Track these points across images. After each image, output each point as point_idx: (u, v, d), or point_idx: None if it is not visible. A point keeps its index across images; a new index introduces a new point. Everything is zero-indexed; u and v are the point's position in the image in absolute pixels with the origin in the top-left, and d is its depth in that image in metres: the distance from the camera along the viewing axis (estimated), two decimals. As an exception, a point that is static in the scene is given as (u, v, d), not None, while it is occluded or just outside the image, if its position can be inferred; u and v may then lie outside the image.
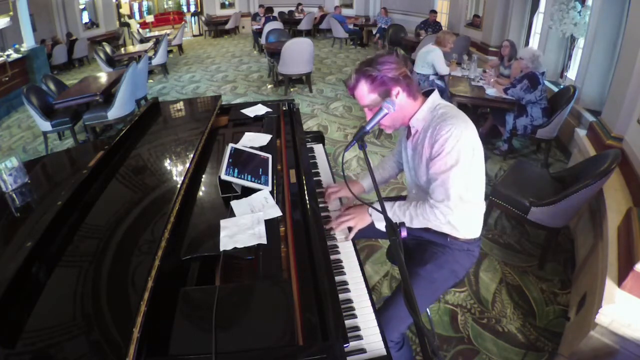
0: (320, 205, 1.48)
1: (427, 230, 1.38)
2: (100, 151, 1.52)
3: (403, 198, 1.61)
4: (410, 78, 1.23)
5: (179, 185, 1.26)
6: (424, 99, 1.26)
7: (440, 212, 1.21)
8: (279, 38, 6.73)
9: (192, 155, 1.47)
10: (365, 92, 1.20)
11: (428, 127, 1.22)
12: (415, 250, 1.40)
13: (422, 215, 1.25)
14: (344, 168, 1.41)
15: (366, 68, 1.19)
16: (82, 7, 10.72)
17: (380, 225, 1.32)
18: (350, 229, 1.38)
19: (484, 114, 4.03)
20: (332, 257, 1.25)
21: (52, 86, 4.61)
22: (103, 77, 4.86)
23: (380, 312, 1.20)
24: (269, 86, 6.37)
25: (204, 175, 1.46)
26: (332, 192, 1.56)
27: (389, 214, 1.18)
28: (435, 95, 1.26)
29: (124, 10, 13.27)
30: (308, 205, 1.29)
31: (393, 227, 0.91)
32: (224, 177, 1.25)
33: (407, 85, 1.21)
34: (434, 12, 8.24)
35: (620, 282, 1.44)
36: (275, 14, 10.16)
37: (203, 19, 12.90)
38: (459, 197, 1.18)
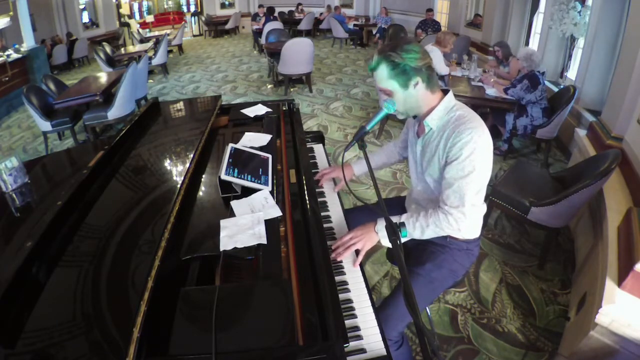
0: (320, 205, 1.48)
1: None
2: (100, 151, 1.52)
3: (403, 199, 1.62)
4: (433, 70, 1.21)
5: (179, 185, 1.26)
6: (442, 95, 1.25)
7: (454, 219, 1.17)
8: (279, 38, 6.73)
9: (192, 155, 1.47)
10: (384, 77, 1.19)
11: (444, 128, 1.21)
12: (414, 250, 1.40)
13: (435, 224, 1.20)
14: (343, 168, 1.41)
15: (389, 53, 1.16)
16: (82, 7, 10.73)
17: (387, 242, 1.24)
18: (357, 252, 1.26)
19: (484, 114, 4.03)
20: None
21: (52, 86, 4.61)
22: (103, 77, 4.86)
23: (379, 311, 1.20)
24: (269, 86, 6.37)
25: (204, 175, 1.46)
26: (325, 173, 1.64)
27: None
28: (450, 96, 1.25)
29: (124, 10, 13.27)
30: (308, 205, 1.29)
31: (393, 228, 0.91)
32: (224, 177, 1.25)
33: (428, 76, 1.19)
34: (430, 10, 8.19)
35: (620, 282, 1.44)
36: (275, 13, 10.17)
37: (203, 19, 12.91)
38: (471, 203, 1.17)
